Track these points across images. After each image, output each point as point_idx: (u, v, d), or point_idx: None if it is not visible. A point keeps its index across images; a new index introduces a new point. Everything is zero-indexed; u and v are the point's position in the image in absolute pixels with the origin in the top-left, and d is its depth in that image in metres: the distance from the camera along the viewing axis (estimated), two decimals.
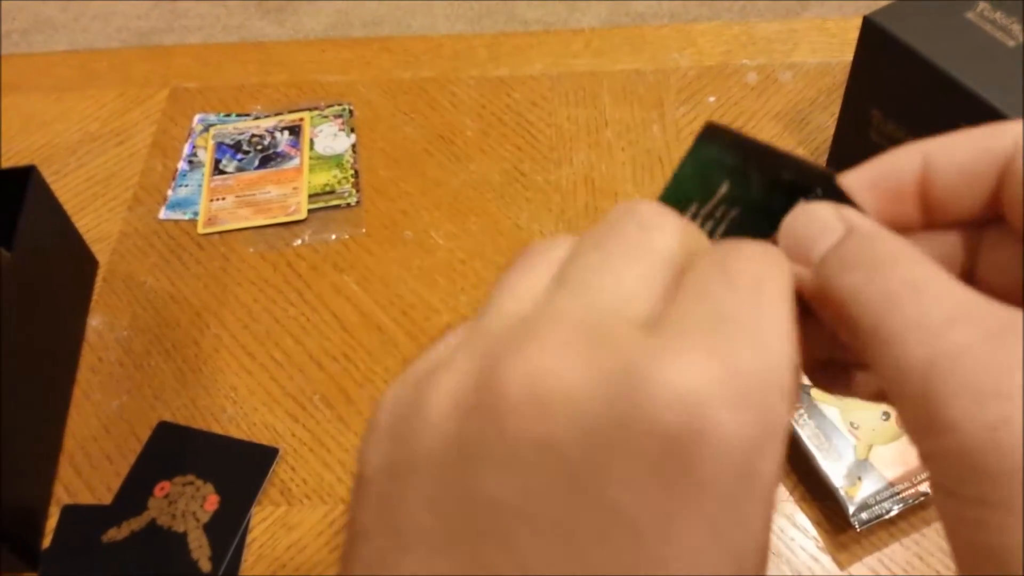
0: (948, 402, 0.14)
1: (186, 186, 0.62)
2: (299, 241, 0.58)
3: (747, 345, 0.14)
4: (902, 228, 0.19)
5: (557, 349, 0.14)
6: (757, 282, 0.15)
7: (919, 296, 0.15)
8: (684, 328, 0.14)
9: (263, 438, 0.49)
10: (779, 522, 0.44)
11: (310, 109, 0.66)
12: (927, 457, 0.15)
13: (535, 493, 0.13)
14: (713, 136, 0.21)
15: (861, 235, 0.17)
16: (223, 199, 0.61)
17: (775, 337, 0.14)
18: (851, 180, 0.20)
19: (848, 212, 0.18)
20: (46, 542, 0.46)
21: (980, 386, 0.14)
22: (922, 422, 0.14)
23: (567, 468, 0.13)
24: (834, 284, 0.16)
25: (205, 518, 0.46)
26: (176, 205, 0.61)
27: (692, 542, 0.13)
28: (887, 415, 0.45)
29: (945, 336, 0.14)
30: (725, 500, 0.13)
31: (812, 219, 0.18)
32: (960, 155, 0.19)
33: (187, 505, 0.46)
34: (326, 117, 0.65)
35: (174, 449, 0.48)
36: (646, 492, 0.13)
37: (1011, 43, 0.48)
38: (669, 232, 0.16)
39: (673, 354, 0.14)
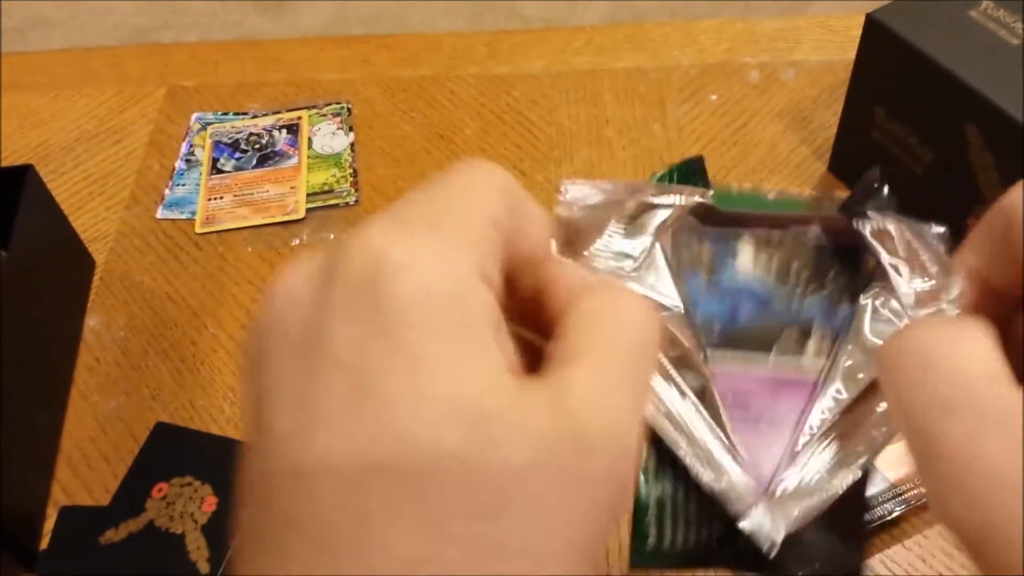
0: None
1: (183, 185, 0.61)
2: (297, 240, 0.58)
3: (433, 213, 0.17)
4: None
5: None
6: (463, 183, 0.17)
7: None
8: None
9: None
10: None
11: (308, 107, 0.65)
12: None
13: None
14: None
15: None
16: (221, 198, 0.60)
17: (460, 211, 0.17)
18: (968, 249, 0.21)
19: None
20: (43, 544, 0.45)
21: None
22: None
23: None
24: None
25: (203, 519, 0.45)
26: (173, 204, 0.60)
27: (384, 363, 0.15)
28: None
29: None
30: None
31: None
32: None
33: (185, 506, 0.46)
34: (324, 115, 0.65)
35: (172, 450, 0.48)
36: (354, 328, 0.15)
37: (1014, 41, 0.48)
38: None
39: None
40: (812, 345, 0.22)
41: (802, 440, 0.21)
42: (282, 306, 0.17)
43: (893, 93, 0.52)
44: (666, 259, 0.21)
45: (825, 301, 0.21)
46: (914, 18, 0.49)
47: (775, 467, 0.22)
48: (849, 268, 0.21)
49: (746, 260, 0.21)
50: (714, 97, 0.64)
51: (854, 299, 0.21)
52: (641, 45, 0.68)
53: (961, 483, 0.15)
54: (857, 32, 0.51)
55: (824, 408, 0.21)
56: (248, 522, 0.16)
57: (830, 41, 0.67)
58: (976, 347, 0.17)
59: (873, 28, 0.50)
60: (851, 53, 0.53)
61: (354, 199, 0.59)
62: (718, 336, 0.22)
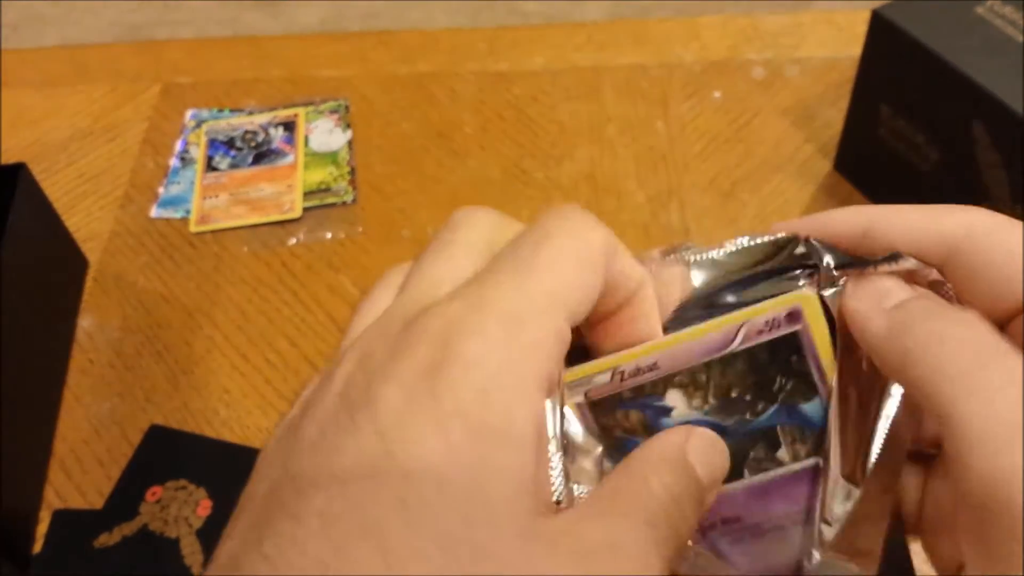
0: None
1: (178, 183, 0.61)
2: (294, 240, 0.57)
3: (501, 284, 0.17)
4: None
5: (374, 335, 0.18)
6: (540, 237, 0.18)
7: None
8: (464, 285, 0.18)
9: (257, 442, 0.48)
10: None
11: (305, 105, 0.64)
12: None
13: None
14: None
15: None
16: (216, 197, 0.59)
17: (534, 278, 0.17)
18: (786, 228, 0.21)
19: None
20: (37, 547, 0.45)
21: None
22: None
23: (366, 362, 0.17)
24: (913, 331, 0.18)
25: (198, 524, 0.45)
26: (168, 203, 0.59)
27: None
28: None
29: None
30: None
31: (877, 284, 0.19)
32: (909, 233, 0.20)
33: (179, 510, 0.45)
34: (321, 113, 0.64)
35: (166, 453, 0.48)
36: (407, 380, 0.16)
37: (1021, 38, 0.48)
38: (474, 225, 0.20)
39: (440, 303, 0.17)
40: (785, 450, 0.20)
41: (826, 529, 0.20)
42: (370, 338, 0.18)
43: (899, 90, 0.51)
44: (590, 436, 0.20)
45: (782, 409, 0.20)
46: (920, 14, 0.49)
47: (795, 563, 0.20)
48: (796, 365, 0.20)
49: (682, 410, 0.20)
50: (717, 94, 0.63)
51: (811, 390, 0.20)
52: (643, 41, 0.67)
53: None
54: (862, 28, 0.51)
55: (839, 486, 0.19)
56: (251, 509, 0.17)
57: (835, 37, 0.66)
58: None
59: (879, 24, 0.50)
60: (856, 49, 0.52)
61: (351, 198, 0.59)
62: None
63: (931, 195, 0.52)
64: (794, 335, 0.19)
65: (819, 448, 0.20)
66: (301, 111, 0.64)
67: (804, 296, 0.19)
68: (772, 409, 0.20)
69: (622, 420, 0.20)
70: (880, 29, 0.50)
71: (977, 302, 0.19)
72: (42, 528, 0.45)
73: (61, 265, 0.54)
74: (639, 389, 0.20)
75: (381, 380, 0.16)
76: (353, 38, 0.70)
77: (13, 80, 0.67)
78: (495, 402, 0.16)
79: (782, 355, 0.19)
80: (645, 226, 0.56)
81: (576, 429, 0.20)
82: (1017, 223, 0.19)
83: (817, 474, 0.20)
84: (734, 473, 0.20)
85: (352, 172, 0.60)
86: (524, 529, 0.15)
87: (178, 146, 0.63)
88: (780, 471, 0.20)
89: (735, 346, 0.19)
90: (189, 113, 0.65)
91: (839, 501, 0.19)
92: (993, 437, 0.15)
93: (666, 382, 0.20)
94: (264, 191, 0.59)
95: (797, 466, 0.20)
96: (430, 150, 0.61)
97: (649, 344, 0.20)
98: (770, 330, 0.19)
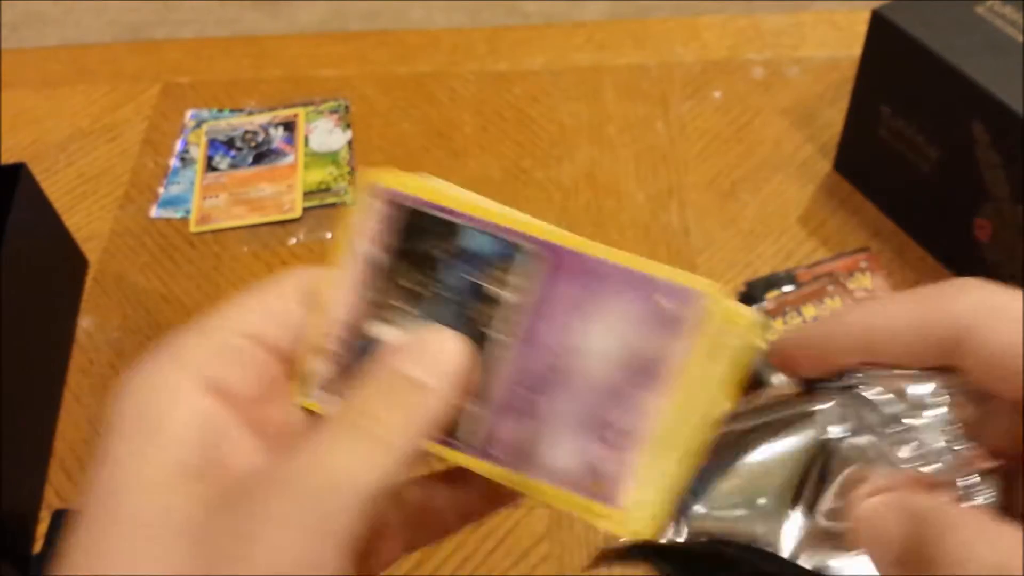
0: None
1: (178, 183, 0.60)
2: (294, 240, 0.57)
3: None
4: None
5: None
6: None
7: None
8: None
9: None
10: None
11: (305, 104, 0.64)
12: None
13: None
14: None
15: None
16: (216, 197, 0.59)
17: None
18: (794, 343, 0.20)
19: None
20: (37, 547, 0.45)
21: None
22: None
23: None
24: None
25: None
26: (168, 203, 0.59)
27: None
28: None
29: None
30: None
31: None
32: (904, 337, 0.19)
33: None
34: (321, 113, 0.64)
35: None
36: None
37: (1021, 38, 0.47)
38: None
39: None
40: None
41: None
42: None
43: (899, 90, 0.51)
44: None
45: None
46: (920, 14, 0.49)
47: None
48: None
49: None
50: (718, 94, 0.63)
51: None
52: (643, 41, 0.67)
53: None
54: (863, 28, 0.51)
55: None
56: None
57: (835, 37, 0.66)
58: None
59: (879, 24, 0.50)
60: (857, 49, 0.52)
61: (352, 198, 0.59)
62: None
63: (931, 195, 0.52)
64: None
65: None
66: (301, 111, 0.64)
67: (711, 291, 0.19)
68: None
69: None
70: (880, 29, 0.50)
71: (999, 387, 0.18)
72: (42, 528, 0.45)
73: (61, 265, 0.54)
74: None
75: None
76: (353, 38, 0.70)
77: (13, 80, 0.67)
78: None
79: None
80: (645, 226, 0.56)
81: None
82: (1016, 294, 0.18)
83: None
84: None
85: (352, 172, 0.60)
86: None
87: (178, 146, 0.63)
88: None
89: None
90: (189, 113, 0.65)
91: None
92: None
93: None
94: (264, 191, 0.59)
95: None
96: (430, 150, 0.61)
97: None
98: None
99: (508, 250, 0.20)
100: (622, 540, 0.20)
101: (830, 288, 0.50)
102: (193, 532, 0.17)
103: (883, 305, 0.19)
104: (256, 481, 0.18)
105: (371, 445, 0.18)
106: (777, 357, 0.20)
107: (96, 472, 0.19)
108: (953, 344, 0.18)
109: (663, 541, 0.19)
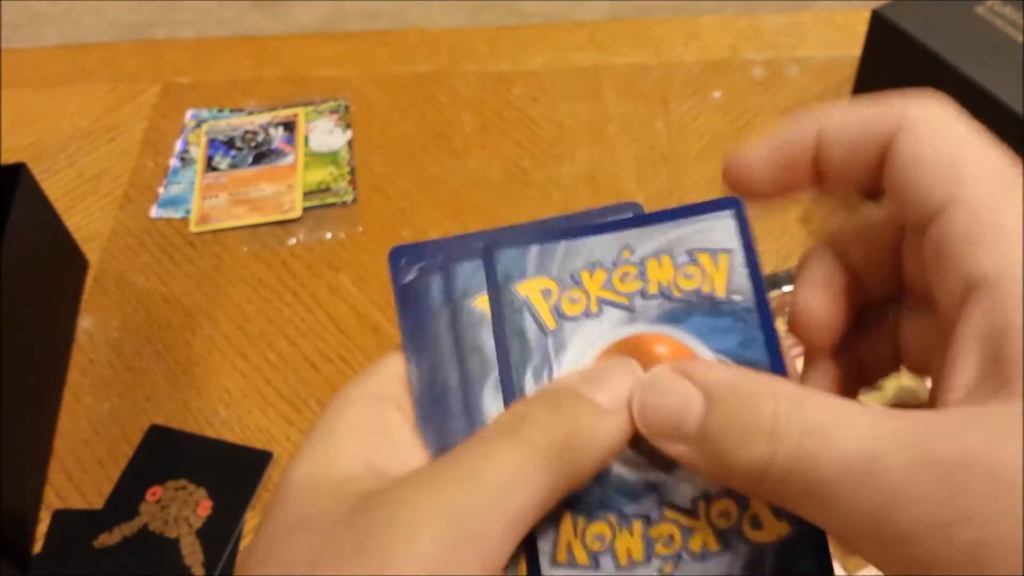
0: None
1: (178, 183, 0.61)
2: (294, 240, 0.57)
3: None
4: (797, 191, 0.21)
5: None
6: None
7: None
8: None
9: (257, 442, 0.48)
10: None
11: (305, 104, 0.64)
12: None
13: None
14: None
15: (723, 400, 0.17)
16: (216, 197, 0.59)
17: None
18: (752, 151, 0.20)
19: (693, 368, 0.18)
20: (37, 547, 0.45)
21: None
22: None
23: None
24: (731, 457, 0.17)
25: (198, 524, 0.45)
26: (168, 203, 0.59)
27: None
28: None
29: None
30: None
31: (667, 396, 0.18)
32: (850, 130, 0.19)
33: (179, 510, 0.45)
34: (321, 113, 0.64)
35: (166, 453, 0.48)
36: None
37: (1021, 38, 0.48)
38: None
39: None
40: None
41: None
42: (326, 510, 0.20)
43: (899, 90, 0.51)
44: None
45: None
46: (920, 14, 0.49)
47: None
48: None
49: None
50: (718, 94, 0.63)
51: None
52: (643, 41, 0.67)
53: None
54: (862, 28, 0.51)
55: None
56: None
57: (835, 37, 0.66)
58: None
59: (879, 24, 0.50)
60: (856, 49, 0.52)
61: (352, 198, 0.59)
62: None
63: None
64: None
65: None
66: (301, 111, 0.64)
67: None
68: None
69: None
70: (880, 29, 0.50)
71: (904, 206, 0.18)
72: (42, 528, 0.45)
73: (61, 265, 0.54)
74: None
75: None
76: (353, 38, 0.70)
77: (13, 80, 0.67)
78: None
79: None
80: None
81: None
82: (956, 111, 0.18)
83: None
84: None
85: (352, 172, 0.60)
86: None
87: (178, 146, 0.63)
88: None
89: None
90: (189, 113, 0.65)
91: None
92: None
93: None
94: (264, 191, 0.59)
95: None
96: (430, 150, 0.61)
97: None
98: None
99: None
100: None
101: None
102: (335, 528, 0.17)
103: (837, 107, 0.20)
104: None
105: (531, 453, 0.17)
106: (731, 177, 0.20)
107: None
108: (886, 150, 0.18)
109: None
